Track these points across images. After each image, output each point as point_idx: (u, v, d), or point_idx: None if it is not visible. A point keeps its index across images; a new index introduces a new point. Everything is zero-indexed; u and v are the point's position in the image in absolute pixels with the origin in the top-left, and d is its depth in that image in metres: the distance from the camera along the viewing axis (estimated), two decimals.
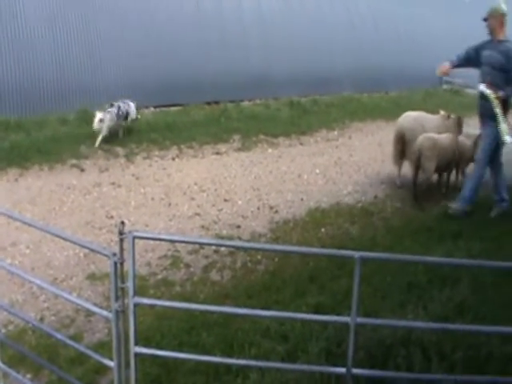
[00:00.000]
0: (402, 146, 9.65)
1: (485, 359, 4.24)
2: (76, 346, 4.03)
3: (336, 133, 14.42)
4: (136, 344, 3.50)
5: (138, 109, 12.61)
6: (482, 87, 7.81)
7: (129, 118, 12.25)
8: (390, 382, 3.94)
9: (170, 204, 8.43)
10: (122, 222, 3.42)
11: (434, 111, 10.21)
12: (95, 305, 4.92)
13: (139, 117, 12.72)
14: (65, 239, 4.23)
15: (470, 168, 9.12)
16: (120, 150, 11.02)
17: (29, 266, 6.22)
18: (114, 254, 3.40)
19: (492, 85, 7.74)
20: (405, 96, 20.05)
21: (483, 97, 7.85)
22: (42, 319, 5.19)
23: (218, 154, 11.54)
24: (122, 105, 12.11)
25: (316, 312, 5.01)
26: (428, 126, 9.38)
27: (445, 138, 8.91)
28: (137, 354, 3.51)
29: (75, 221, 7.61)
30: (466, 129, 9.53)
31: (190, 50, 16.82)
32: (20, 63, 13.17)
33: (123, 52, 15.21)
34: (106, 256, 3.45)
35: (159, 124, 13.15)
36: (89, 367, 4.33)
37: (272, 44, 19.02)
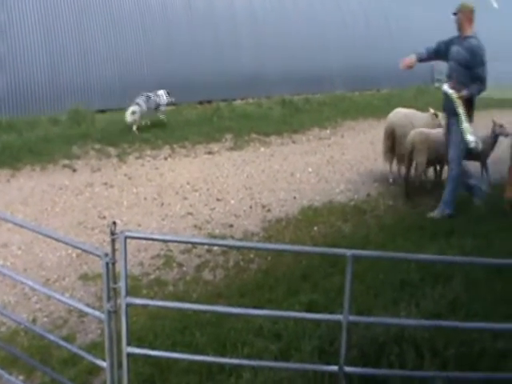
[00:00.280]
0: (392, 142, 9.70)
1: (477, 356, 4.24)
2: (69, 346, 4.03)
3: (328, 131, 14.45)
4: (128, 344, 3.50)
5: (171, 96, 13.56)
6: (446, 87, 7.79)
7: (160, 106, 13.26)
8: (382, 379, 3.95)
9: (162, 204, 8.42)
10: (114, 223, 3.41)
11: (424, 109, 10.23)
12: (88, 305, 4.91)
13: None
14: (57, 240, 4.21)
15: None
16: (112, 150, 11.02)
17: (21, 267, 6.20)
18: (106, 255, 3.39)
19: (457, 81, 7.71)
20: (396, 94, 20.11)
21: (447, 96, 7.84)
22: (34, 320, 5.17)
23: (210, 153, 11.54)
24: (152, 95, 13.01)
25: (309, 310, 5.00)
26: (417, 124, 9.41)
27: (436, 132, 8.93)
28: (129, 354, 3.50)
29: (67, 221, 7.60)
30: None
31: (182, 50, 16.85)
32: (12, 64, 13.14)
33: (115, 53, 15.22)
34: (98, 256, 3.45)
35: (152, 123, 13.13)
36: (82, 368, 4.31)
37: (264, 43, 19.05)
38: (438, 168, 9.44)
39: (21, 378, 4.34)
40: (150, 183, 9.34)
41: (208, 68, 17.14)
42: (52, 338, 4.13)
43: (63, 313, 5.31)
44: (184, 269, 6.36)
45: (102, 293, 3.48)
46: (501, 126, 8.82)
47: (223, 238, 7.24)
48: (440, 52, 8.08)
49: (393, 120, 9.81)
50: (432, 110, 9.72)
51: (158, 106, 13.28)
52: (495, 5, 32.74)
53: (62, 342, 4.07)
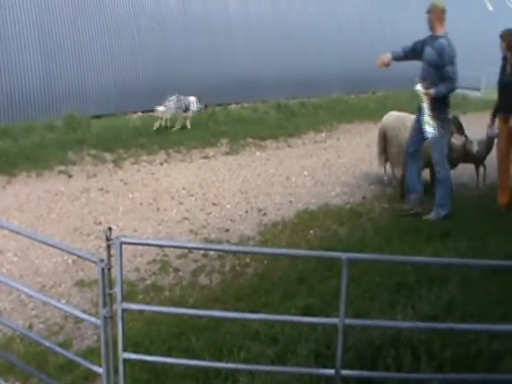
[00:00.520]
0: (385, 144, 9.77)
1: (473, 357, 4.25)
2: (65, 353, 4.02)
3: (324, 135, 14.46)
4: (125, 350, 3.50)
5: (201, 102, 14.08)
6: (418, 86, 7.83)
7: (189, 111, 13.75)
8: (379, 382, 3.95)
9: (158, 209, 8.42)
10: (109, 228, 3.41)
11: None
12: (84, 311, 4.92)
13: (202, 110, 14.29)
14: (52, 246, 4.22)
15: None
16: (108, 156, 11.02)
17: (17, 274, 6.19)
18: (102, 260, 3.39)
19: (427, 81, 7.77)
20: (392, 96, 20.13)
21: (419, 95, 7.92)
22: (30, 327, 5.16)
23: (205, 157, 11.55)
24: (182, 97, 13.58)
25: (305, 314, 5.00)
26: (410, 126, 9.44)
27: None
28: (125, 360, 3.50)
29: (63, 227, 7.59)
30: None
31: (177, 55, 16.84)
32: (7, 69, 13.13)
33: (110, 58, 15.21)
34: (94, 262, 3.45)
35: (147, 129, 13.14)
36: (78, 374, 4.30)
37: (259, 47, 19.05)
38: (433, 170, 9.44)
39: None
40: (145, 188, 9.34)
41: (203, 73, 17.13)
42: (48, 344, 4.13)
43: (59, 319, 5.30)
44: (180, 274, 6.36)
45: (98, 299, 3.47)
46: (489, 127, 8.82)
47: (219, 242, 7.24)
48: (416, 51, 8.09)
49: (385, 122, 9.92)
50: None
51: (186, 110, 13.74)
52: (490, 8, 32.84)
53: (58, 349, 4.06)
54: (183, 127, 13.73)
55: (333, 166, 11.26)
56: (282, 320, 4.52)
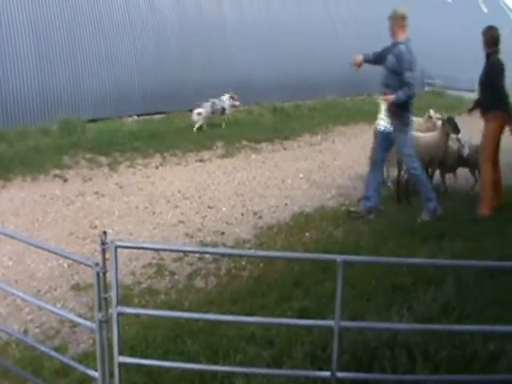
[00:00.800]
0: None
1: (469, 358, 4.25)
2: (60, 357, 4.02)
3: (319, 137, 14.48)
4: (120, 353, 3.50)
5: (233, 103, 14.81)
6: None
7: (225, 112, 14.60)
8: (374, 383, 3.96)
9: (153, 212, 8.42)
10: (104, 232, 3.42)
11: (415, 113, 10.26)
12: (80, 315, 4.92)
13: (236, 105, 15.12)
14: (47, 250, 4.22)
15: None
16: (103, 159, 11.01)
17: (12, 278, 6.18)
18: (97, 264, 3.40)
19: (388, 87, 7.90)
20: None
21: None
22: (26, 331, 5.15)
23: (201, 161, 11.55)
24: (217, 101, 14.29)
25: (301, 316, 5.00)
26: None
27: (428, 136, 8.99)
28: (121, 364, 3.50)
29: (59, 231, 7.59)
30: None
31: (172, 58, 16.84)
32: (2, 74, 13.11)
33: (106, 62, 15.20)
34: (89, 266, 3.45)
35: (142, 132, 13.13)
36: (74, 378, 4.29)
37: (254, 50, 19.06)
38: (429, 171, 9.44)
39: None
40: (141, 192, 9.34)
41: (198, 76, 17.14)
42: (44, 348, 4.14)
43: (55, 323, 5.29)
44: (176, 277, 6.36)
45: (94, 303, 3.47)
46: None
47: (215, 245, 7.24)
48: (381, 57, 8.16)
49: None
50: (432, 112, 9.77)
51: (223, 110, 14.52)
52: (484, 9, 32.93)
53: (53, 353, 4.07)
54: (220, 126, 14.52)
55: (328, 169, 11.27)
56: (278, 323, 4.52)
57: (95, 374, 3.57)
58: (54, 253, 4.20)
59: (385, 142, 8.21)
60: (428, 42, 23.59)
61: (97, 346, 3.50)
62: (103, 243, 3.38)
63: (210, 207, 8.73)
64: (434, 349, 4.31)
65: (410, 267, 5.93)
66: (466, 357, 4.26)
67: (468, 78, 22.50)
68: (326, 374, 3.56)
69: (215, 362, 4.33)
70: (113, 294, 3.41)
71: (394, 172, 9.57)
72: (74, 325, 5.16)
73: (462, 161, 9.35)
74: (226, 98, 14.65)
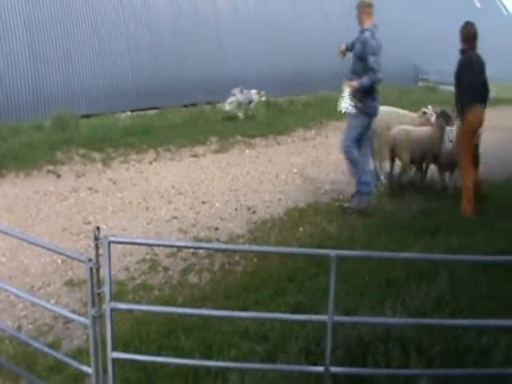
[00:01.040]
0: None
1: (462, 352, 4.26)
2: (54, 353, 4.02)
3: (313, 132, 14.48)
4: (114, 349, 3.50)
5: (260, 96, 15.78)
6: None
7: (252, 103, 15.49)
8: (369, 378, 3.96)
9: (147, 208, 8.41)
10: (98, 228, 3.41)
11: (409, 108, 10.29)
12: (73, 311, 4.93)
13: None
14: (41, 246, 4.21)
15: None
16: (97, 155, 10.98)
17: (6, 275, 6.15)
18: (90, 260, 3.39)
19: (355, 73, 8.10)
20: (381, 94, 20.11)
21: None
22: (19, 328, 5.13)
23: (195, 156, 11.53)
24: (245, 92, 15.35)
25: (295, 311, 5.00)
26: (403, 122, 9.48)
27: (420, 130, 9.00)
28: (114, 360, 3.50)
29: (52, 227, 7.56)
30: None
31: (166, 54, 16.82)
32: None
33: (99, 57, 15.17)
34: (82, 262, 3.45)
35: (136, 128, 13.11)
36: (67, 374, 4.29)
37: (248, 46, 19.05)
38: (423, 166, 9.47)
39: None
40: (134, 187, 9.32)
41: (192, 72, 17.12)
42: (37, 345, 4.13)
43: (48, 319, 5.28)
44: (170, 273, 6.35)
45: (87, 298, 3.47)
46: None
47: (209, 241, 7.23)
48: (352, 46, 8.38)
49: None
50: (430, 107, 9.76)
51: (250, 102, 15.44)
52: (478, 4, 32.96)
53: (47, 349, 4.06)
54: (247, 116, 15.18)
55: (322, 163, 11.27)
56: (272, 318, 4.52)
57: (89, 370, 3.57)
58: (48, 249, 4.21)
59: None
60: (421, 37, 23.65)
61: (90, 341, 3.50)
62: (96, 239, 3.38)
63: (203, 202, 8.72)
64: (427, 343, 4.32)
65: (404, 262, 5.95)
66: (459, 351, 4.27)
67: None
68: (320, 368, 3.57)
69: (209, 358, 4.34)
70: (106, 289, 3.40)
71: (386, 166, 9.60)
72: (68, 321, 5.14)
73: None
74: (254, 91, 15.51)
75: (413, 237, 7.11)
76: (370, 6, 8.14)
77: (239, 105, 15.37)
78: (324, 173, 10.58)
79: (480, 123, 8.14)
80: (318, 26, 21.67)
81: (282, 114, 16.33)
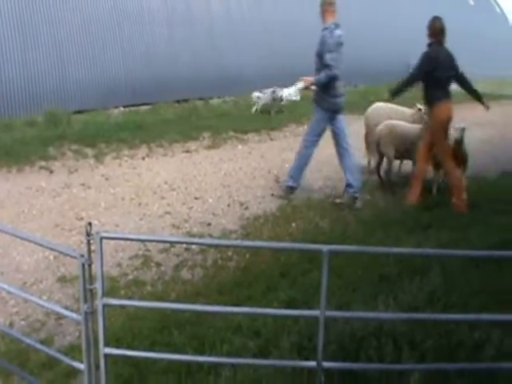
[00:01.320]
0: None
1: (455, 347, 4.28)
2: (46, 350, 4.01)
3: (306, 127, 14.36)
4: (106, 345, 3.49)
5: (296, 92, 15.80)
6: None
7: (283, 101, 15.92)
8: (362, 373, 3.97)
9: (140, 204, 8.39)
10: (89, 224, 3.40)
11: (403, 105, 10.29)
12: (66, 307, 4.91)
13: (298, 98, 16.18)
14: (33, 242, 4.19)
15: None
16: (89, 151, 10.95)
17: None
18: (82, 256, 3.38)
19: (317, 71, 8.32)
20: (373, 90, 20.15)
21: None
22: (11, 324, 5.11)
23: (187, 152, 11.52)
24: (276, 90, 15.77)
25: (288, 307, 5.01)
26: (396, 118, 9.50)
27: (404, 126, 9.00)
28: (107, 355, 3.49)
29: (45, 223, 7.54)
30: None
31: (159, 49, 16.78)
32: None
33: (92, 53, 15.12)
34: (74, 258, 3.43)
35: (128, 123, 13.08)
36: (60, 371, 4.28)
37: (241, 42, 19.03)
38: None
39: None
40: (127, 183, 9.30)
41: (185, 67, 17.09)
42: (29, 341, 4.11)
43: (41, 316, 5.27)
44: (162, 268, 6.34)
45: (80, 294, 3.46)
46: None
47: (201, 236, 7.22)
48: None
49: (368, 112, 10.02)
50: (419, 105, 9.76)
51: (281, 100, 15.85)
52: (471, 1, 33.01)
53: (39, 346, 4.05)
54: (278, 112, 15.66)
55: (314, 159, 11.22)
56: (264, 313, 4.51)
57: (81, 366, 3.56)
58: (40, 245, 4.19)
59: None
60: (414, 33, 23.64)
61: (82, 338, 3.49)
62: (88, 234, 3.37)
63: (196, 198, 8.71)
64: (420, 338, 4.33)
65: (397, 257, 5.96)
66: (451, 345, 4.29)
67: None
68: (312, 363, 3.57)
69: (202, 353, 4.34)
70: (98, 285, 3.39)
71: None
72: (60, 317, 5.13)
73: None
74: (285, 89, 15.87)
75: (406, 232, 7.13)
76: (331, 3, 8.30)
77: (272, 101, 15.83)
78: (316, 168, 10.55)
79: (448, 119, 8.11)
80: (311, 27, 21.65)
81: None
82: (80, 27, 14.90)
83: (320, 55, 8.20)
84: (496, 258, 5.20)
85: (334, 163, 10.77)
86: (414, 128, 8.93)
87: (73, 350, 4.51)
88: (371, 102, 10.98)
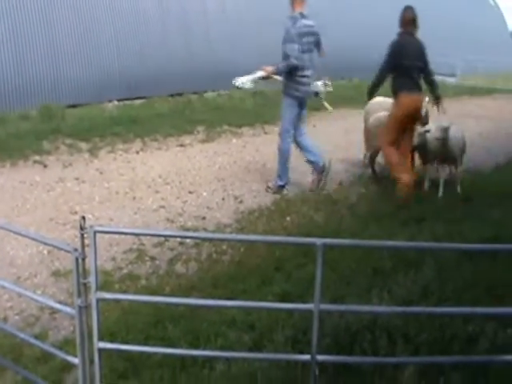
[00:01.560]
0: None
1: (449, 340, 4.29)
2: (40, 344, 4.00)
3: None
4: (100, 339, 3.48)
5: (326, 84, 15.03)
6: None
7: (319, 96, 14.67)
8: (356, 366, 3.98)
9: (134, 198, 8.38)
10: (83, 217, 3.39)
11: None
12: (60, 302, 4.89)
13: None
14: (27, 237, 4.18)
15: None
16: (83, 145, 10.92)
17: None
18: (76, 250, 3.37)
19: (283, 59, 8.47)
20: (367, 83, 20.13)
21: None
22: (5, 319, 5.10)
23: (182, 145, 11.50)
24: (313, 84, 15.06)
25: (282, 300, 5.01)
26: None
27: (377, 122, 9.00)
28: (101, 350, 3.49)
29: (39, 217, 7.52)
30: None
31: (152, 43, 16.72)
32: None
33: (85, 47, 15.06)
34: (68, 252, 3.42)
35: (123, 117, 13.05)
36: (54, 365, 4.27)
37: (235, 35, 18.98)
38: None
39: None
40: (121, 177, 9.28)
41: (179, 61, 17.05)
42: (23, 336, 4.11)
43: (35, 310, 5.26)
44: (157, 262, 6.34)
45: (74, 289, 3.46)
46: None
47: (196, 230, 7.22)
48: None
49: (367, 107, 10.01)
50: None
51: (316, 94, 14.95)
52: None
53: (33, 340, 4.04)
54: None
55: None
56: (259, 307, 4.52)
57: (75, 361, 3.56)
58: (33, 239, 4.18)
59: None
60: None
61: (76, 332, 3.48)
62: (82, 228, 3.36)
63: (190, 192, 8.70)
64: (414, 331, 4.35)
65: (391, 250, 5.97)
66: (445, 339, 4.30)
67: (448, 62, 22.66)
68: (306, 357, 3.57)
69: (196, 347, 4.34)
70: (92, 279, 3.39)
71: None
72: (55, 311, 5.12)
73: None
74: (319, 83, 15.33)
75: (400, 225, 7.14)
76: None
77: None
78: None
79: (413, 111, 8.02)
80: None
81: (269, 103, 16.27)
82: (74, 22, 14.82)
83: (283, 45, 8.41)
84: (490, 251, 5.23)
85: (328, 157, 10.79)
86: None
87: (67, 345, 4.50)
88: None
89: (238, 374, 4.02)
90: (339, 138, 12.47)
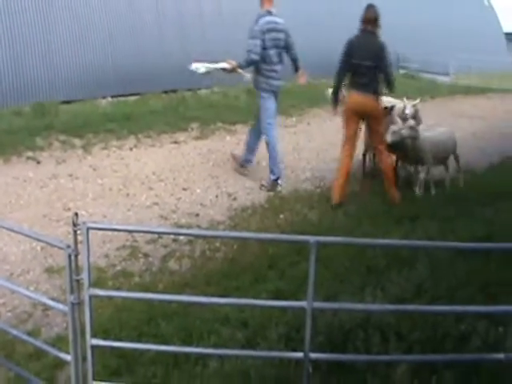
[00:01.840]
0: None
1: (441, 338, 4.30)
2: (33, 341, 4.00)
3: (294, 119, 14.45)
4: (93, 336, 3.48)
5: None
6: None
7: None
8: (349, 364, 3.98)
9: (128, 194, 8.36)
10: (76, 214, 3.38)
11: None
12: (53, 298, 4.88)
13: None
14: (19, 233, 4.17)
15: None
16: (77, 141, 10.87)
17: None
18: (68, 246, 3.36)
19: None
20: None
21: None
22: None
23: (176, 142, 11.47)
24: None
25: (275, 298, 5.01)
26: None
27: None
28: (93, 347, 3.48)
29: (32, 214, 7.49)
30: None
31: (147, 39, 16.68)
32: None
33: (79, 43, 15.01)
34: (61, 248, 3.42)
35: (117, 114, 12.99)
36: (47, 362, 4.27)
37: (229, 32, 18.94)
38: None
39: None
40: (115, 174, 9.25)
41: (173, 57, 17.01)
42: (16, 332, 4.10)
43: (28, 307, 5.25)
44: (150, 259, 6.33)
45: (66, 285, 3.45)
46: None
47: (189, 227, 7.21)
48: None
49: None
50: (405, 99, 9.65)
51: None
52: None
53: (25, 337, 4.04)
54: None
55: (303, 151, 11.26)
56: (252, 304, 4.52)
57: (68, 358, 3.55)
58: (26, 235, 4.17)
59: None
60: (402, 25, 23.67)
61: (69, 329, 3.48)
62: (75, 225, 3.35)
63: (184, 189, 8.69)
64: (407, 329, 4.36)
65: (384, 248, 5.98)
66: (438, 337, 4.32)
67: (441, 61, 22.70)
68: (299, 354, 3.57)
69: (189, 344, 4.34)
70: (85, 276, 3.38)
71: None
72: (47, 308, 5.11)
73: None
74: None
75: (393, 223, 7.16)
76: None
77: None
78: (305, 160, 10.58)
79: (356, 111, 7.94)
80: (300, 21, 21.64)
81: None
82: (68, 18, 14.76)
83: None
84: (482, 249, 5.24)
85: (321, 155, 10.83)
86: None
87: (60, 342, 4.50)
88: None
89: (231, 372, 4.02)
90: (332, 136, 12.42)
